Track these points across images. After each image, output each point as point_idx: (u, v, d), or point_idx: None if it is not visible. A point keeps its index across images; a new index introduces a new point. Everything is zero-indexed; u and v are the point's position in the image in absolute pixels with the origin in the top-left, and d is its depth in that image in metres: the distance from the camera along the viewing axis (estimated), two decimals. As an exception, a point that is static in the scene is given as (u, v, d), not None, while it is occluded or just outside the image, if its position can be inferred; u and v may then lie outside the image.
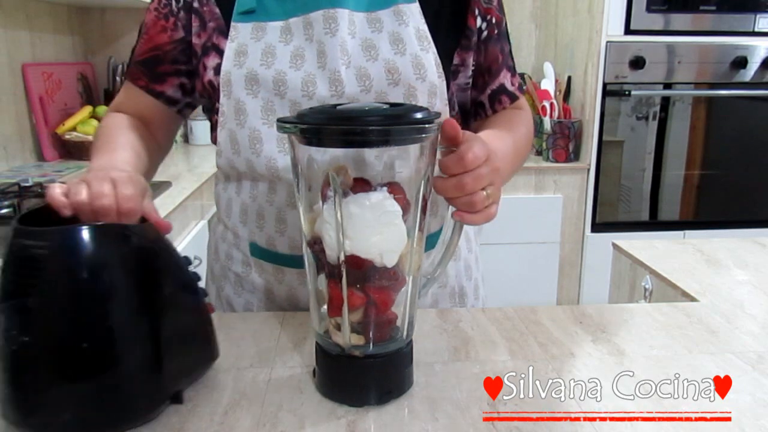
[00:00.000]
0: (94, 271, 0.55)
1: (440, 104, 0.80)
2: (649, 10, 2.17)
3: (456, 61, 0.83)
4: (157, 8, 0.84)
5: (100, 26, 2.47)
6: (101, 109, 2.29)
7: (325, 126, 0.56)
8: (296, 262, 0.81)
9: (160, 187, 1.67)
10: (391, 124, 0.55)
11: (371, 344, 0.60)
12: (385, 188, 0.58)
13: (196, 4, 0.82)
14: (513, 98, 0.89)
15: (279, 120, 0.57)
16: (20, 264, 0.55)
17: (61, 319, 0.54)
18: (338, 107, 0.60)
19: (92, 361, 0.54)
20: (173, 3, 0.83)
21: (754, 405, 0.61)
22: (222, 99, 0.79)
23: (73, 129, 2.14)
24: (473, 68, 0.85)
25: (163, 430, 0.57)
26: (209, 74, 0.81)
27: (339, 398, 0.61)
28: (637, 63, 2.19)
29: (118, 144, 0.79)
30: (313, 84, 0.76)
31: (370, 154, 0.60)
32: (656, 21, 2.19)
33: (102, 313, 0.55)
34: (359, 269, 0.58)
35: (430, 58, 0.78)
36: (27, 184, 1.61)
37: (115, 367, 0.55)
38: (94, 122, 2.17)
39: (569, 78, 2.42)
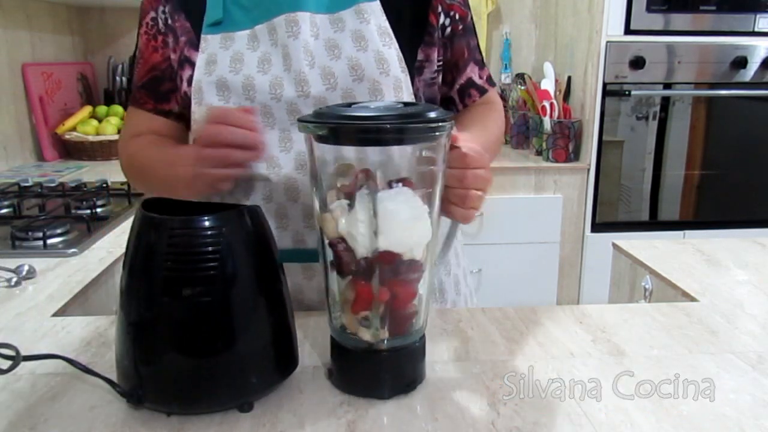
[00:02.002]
0: (224, 256, 0.57)
1: (406, 98, 0.82)
2: (649, 10, 2.17)
3: (420, 56, 0.85)
4: (146, 31, 0.88)
5: (100, 26, 2.47)
6: (101, 109, 2.29)
7: (343, 124, 0.57)
8: (300, 255, 0.82)
9: (160, 187, 1.67)
10: (408, 121, 0.57)
11: (393, 338, 0.62)
12: (400, 184, 0.60)
13: (170, 21, 0.85)
14: (482, 92, 0.92)
15: (300, 119, 0.59)
16: (150, 249, 0.57)
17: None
18: (353, 105, 0.62)
19: (212, 340, 0.57)
20: (159, 22, 0.86)
21: (754, 405, 0.61)
22: (193, 107, 0.82)
23: (73, 129, 2.14)
24: (439, 64, 0.87)
25: (162, 429, 0.57)
26: (184, 86, 0.84)
27: (361, 392, 0.62)
28: (637, 63, 2.19)
29: (166, 143, 0.86)
30: (281, 86, 0.79)
31: (395, 151, 0.62)
32: (656, 21, 2.19)
33: (227, 295, 0.58)
34: (390, 264, 0.59)
35: (393, 53, 0.80)
36: (27, 184, 1.61)
37: (232, 348, 0.58)
38: (94, 122, 2.17)
39: (569, 78, 2.42)
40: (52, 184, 1.62)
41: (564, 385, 0.64)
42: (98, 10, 2.45)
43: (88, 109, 2.26)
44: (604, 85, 2.23)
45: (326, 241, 0.62)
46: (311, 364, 0.68)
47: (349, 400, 0.62)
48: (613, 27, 2.17)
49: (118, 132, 2.17)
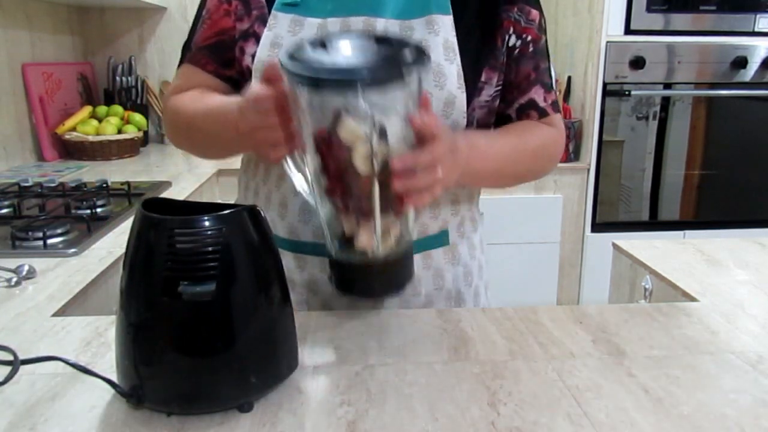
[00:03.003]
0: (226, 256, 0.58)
1: (457, 115, 0.81)
2: (649, 10, 2.17)
3: (483, 77, 0.83)
4: None
5: (100, 26, 2.47)
6: (101, 109, 2.30)
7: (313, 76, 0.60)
8: (320, 249, 0.83)
9: (159, 187, 1.67)
10: (380, 65, 0.61)
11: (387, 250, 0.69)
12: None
13: None
14: (542, 114, 0.88)
15: (282, 64, 0.61)
16: (150, 249, 0.57)
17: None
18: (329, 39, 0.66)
19: (212, 339, 0.58)
20: None
21: (754, 405, 0.61)
22: (253, 82, 0.79)
23: (73, 129, 2.14)
24: (498, 87, 0.86)
25: (163, 429, 0.57)
26: (246, 59, 0.83)
27: (358, 293, 0.75)
28: (637, 63, 2.19)
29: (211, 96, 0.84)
30: None
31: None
32: (656, 21, 2.19)
33: (226, 295, 0.58)
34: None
35: (453, 69, 0.79)
36: (27, 184, 1.61)
37: (232, 348, 0.58)
38: (94, 122, 2.17)
39: (569, 78, 2.42)
40: (52, 184, 1.62)
41: (564, 385, 0.64)
42: (98, 10, 2.45)
43: (88, 109, 2.26)
44: (604, 85, 2.23)
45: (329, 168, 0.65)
46: (311, 364, 0.68)
47: (349, 400, 0.62)
48: (613, 27, 2.17)
49: (119, 132, 2.17)
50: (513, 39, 0.84)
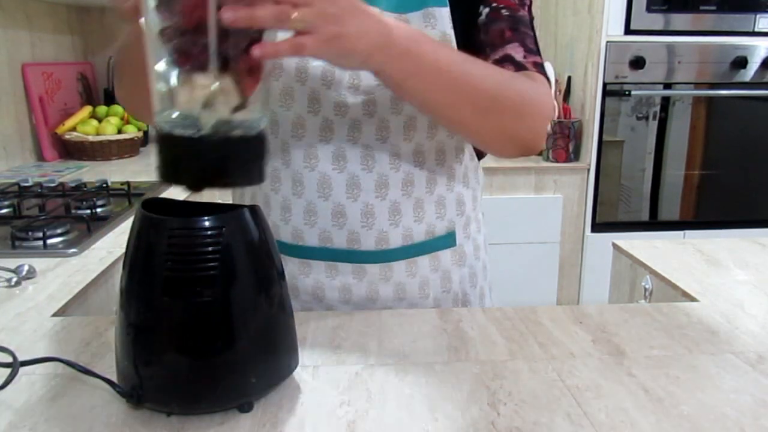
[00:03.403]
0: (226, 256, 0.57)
1: None
2: (649, 10, 2.17)
3: None
4: None
5: (100, 26, 2.47)
6: (101, 109, 2.30)
7: None
8: (325, 253, 0.82)
9: (159, 187, 1.67)
10: None
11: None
12: None
13: None
14: (520, 68, 0.77)
15: None
16: (150, 249, 0.57)
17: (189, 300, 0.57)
18: None
19: (212, 339, 0.57)
20: None
21: (754, 405, 0.61)
22: None
23: (73, 129, 2.14)
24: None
25: (162, 430, 0.57)
26: None
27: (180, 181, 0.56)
28: (637, 63, 2.19)
29: None
30: (332, 73, 0.77)
31: None
32: (656, 21, 2.19)
33: (226, 295, 0.58)
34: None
35: None
36: (27, 184, 1.61)
37: (232, 348, 0.58)
38: (94, 122, 2.17)
39: (569, 78, 2.42)
40: (52, 184, 1.62)
41: (564, 385, 0.64)
42: (98, 10, 2.45)
43: (88, 109, 2.26)
44: (604, 85, 2.23)
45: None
46: (311, 364, 0.68)
47: (349, 400, 0.62)
48: (613, 27, 2.18)
49: (119, 132, 2.17)
50: (481, 8, 0.79)
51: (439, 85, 0.68)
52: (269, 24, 0.53)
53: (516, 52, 0.77)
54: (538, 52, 0.79)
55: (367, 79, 0.77)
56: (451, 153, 0.85)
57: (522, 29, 0.79)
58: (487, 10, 0.79)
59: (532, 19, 0.82)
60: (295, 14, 0.54)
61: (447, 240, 0.88)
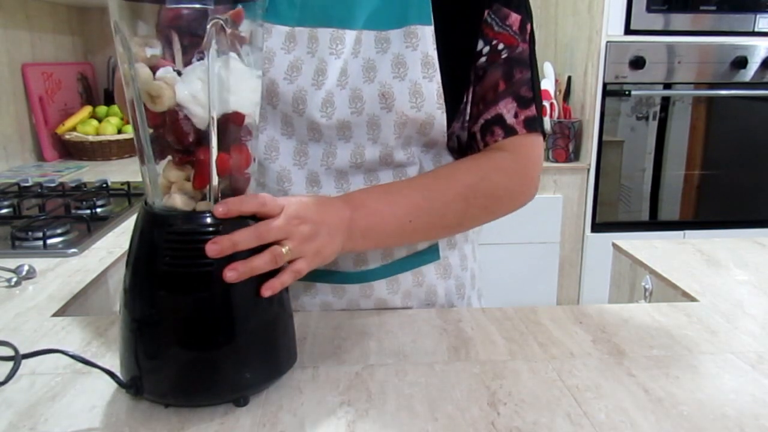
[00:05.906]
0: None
1: (437, 135, 0.77)
2: (649, 10, 2.17)
3: (466, 98, 0.78)
4: None
5: (100, 26, 2.47)
6: (101, 109, 2.29)
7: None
8: (331, 277, 0.81)
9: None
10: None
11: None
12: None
13: None
14: (509, 133, 0.76)
15: None
16: (151, 245, 0.58)
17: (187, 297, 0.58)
18: None
19: (212, 334, 0.58)
20: None
21: (754, 405, 0.61)
22: None
23: (73, 129, 2.14)
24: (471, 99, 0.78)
25: (162, 429, 0.57)
26: None
27: None
28: (637, 63, 2.19)
29: None
30: (303, 102, 0.74)
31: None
32: (656, 21, 2.19)
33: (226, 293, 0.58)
34: (240, 125, 0.59)
35: (432, 87, 0.73)
36: (27, 184, 1.61)
37: (227, 344, 0.58)
38: (94, 122, 2.17)
39: (569, 78, 2.42)
40: (52, 184, 1.62)
41: (564, 385, 0.64)
42: (98, 10, 2.45)
43: (88, 109, 2.26)
44: (604, 85, 2.23)
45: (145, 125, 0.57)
46: (311, 365, 0.68)
47: (349, 400, 0.62)
48: (613, 27, 2.18)
49: (118, 132, 2.17)
50: (481, 44, 0.76)
51: (405, 234, 0.75)
52: (268, 268, 0.59)
53: (508, 110, 0.77)
54: (533, 99, 0.78)
55: (341, 109, 0.74)
56: (430, 168, 0.82)
57: (518, 75, 0.77)
58: (487, 48, 0.76)
59: (532, 50, 0.79)
60: (284, 250, 0.60)
61: (430, 254, 0.85)
